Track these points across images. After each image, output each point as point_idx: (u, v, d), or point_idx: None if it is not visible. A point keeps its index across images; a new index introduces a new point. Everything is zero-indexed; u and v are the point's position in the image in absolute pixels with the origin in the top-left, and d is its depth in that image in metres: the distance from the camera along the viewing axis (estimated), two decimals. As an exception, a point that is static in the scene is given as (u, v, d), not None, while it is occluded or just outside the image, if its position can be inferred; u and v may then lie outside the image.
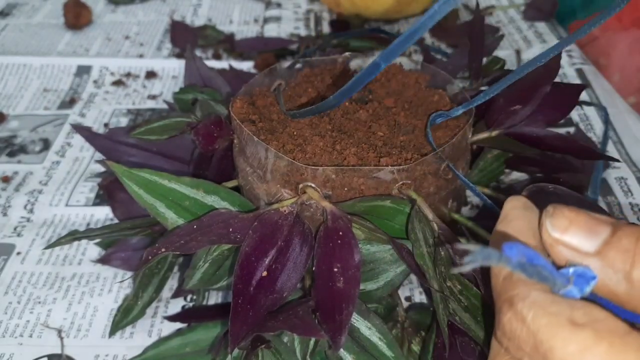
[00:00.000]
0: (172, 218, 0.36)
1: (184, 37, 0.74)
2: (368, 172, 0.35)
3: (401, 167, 0.35)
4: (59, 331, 0.41)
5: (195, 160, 0.45)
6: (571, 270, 0.21)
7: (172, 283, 0.43)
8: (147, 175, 0.36)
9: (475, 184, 0.42)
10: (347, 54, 0.49)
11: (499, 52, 0.66)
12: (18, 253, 0.47)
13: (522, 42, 0.74)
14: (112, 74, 0.70)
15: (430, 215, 0.35)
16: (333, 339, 0.30)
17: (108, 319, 0.41)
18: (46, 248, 0.45)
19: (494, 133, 0.42)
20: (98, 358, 0.39)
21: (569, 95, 0.44)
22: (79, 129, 0.55)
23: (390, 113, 0.41)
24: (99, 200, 0.52)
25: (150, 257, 0.33)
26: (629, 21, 0.68)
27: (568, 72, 0.67)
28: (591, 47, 0.72)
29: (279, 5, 0.86)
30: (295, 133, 0.39)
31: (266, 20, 0.81)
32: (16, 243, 0.47)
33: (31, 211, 0.50)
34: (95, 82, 0.68)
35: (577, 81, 0.65)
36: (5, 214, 0.50)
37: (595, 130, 0.58)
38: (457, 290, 0.34)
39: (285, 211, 0.35)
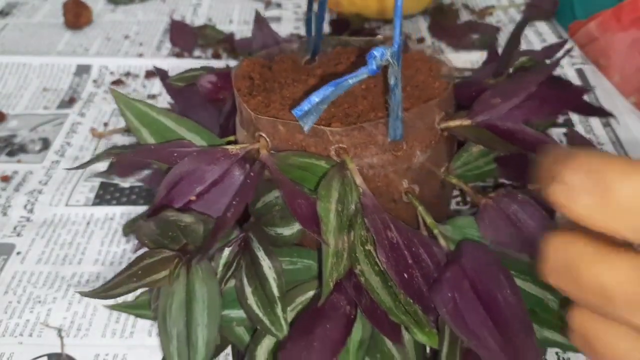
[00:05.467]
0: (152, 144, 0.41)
1: (184, 37, 0.74)
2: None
3: (335, 129, 0.36)
4: (59, 330, 0.41)
5: (226, 112, 0.48)
6: None
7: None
8: (140, 105, 0.41)
9: (458, 177, 0.41)
10: (380, 36, 0.49)
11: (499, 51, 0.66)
12: (18, 253, 0.47)
13: (523, 42, 0.74)
14: (111, 73, 0.70)
15: (358, 180, 0.36)
16: (201, 253, 0.35)
17: (108, 318, 0.41)
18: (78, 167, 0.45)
19: (466, 122, 0.40)
20: (98, 357, 0.39)
21: (564, 97, 0.43)
22: (159, 71, 0.54)
23: (389, 95, 0.41)
24: (99, 200, 0.52)
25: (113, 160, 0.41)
26: (629, 21, 0.68)
27: (568, 72, 0.67)
28: (591, 48, 0.72)
29: (279, 5, 0.86)
30: (288, 95, 0.41)
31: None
32: (16, 243, 0.47)
33: (31, 211, 0.50)
34: (94, 81, 0.68)
35: (577, 81, 0.65)
36: (5, 214, 0.50)
37: (595, 131, 0.58)
38: (375, 254, 0.34)
39: (232, 152, 0.38)
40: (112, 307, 0.41)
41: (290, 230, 0.37)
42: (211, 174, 0.37)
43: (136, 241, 0.37)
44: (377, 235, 0.34)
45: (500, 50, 0.51)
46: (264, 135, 0.39)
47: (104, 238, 0.48)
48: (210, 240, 0.34)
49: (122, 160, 0.38)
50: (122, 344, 0.40)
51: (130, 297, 0.40)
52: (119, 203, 0.51)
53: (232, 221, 0.35)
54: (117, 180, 0.53)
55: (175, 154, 0.38)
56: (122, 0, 0.86)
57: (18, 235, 0.48)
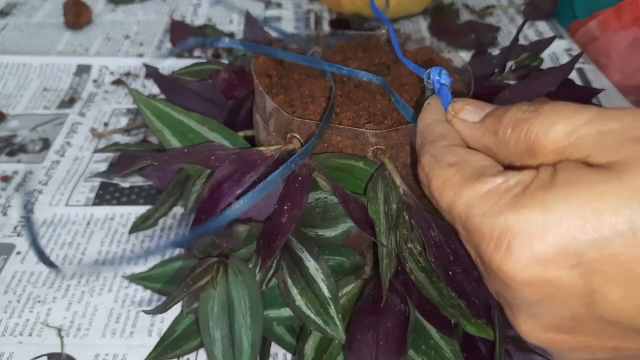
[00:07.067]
0: (175, 144, 0.40)
1: (184, 37, 0.74)
2: (344, 131, 0.37)
3: (374, 131, 0.36)
4: (59, 330, 0.41)
5: (229, 108, 0.48)
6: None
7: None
8: (161, 105, 0.41)
9: None
10: (383, 31, 0.50)
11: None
12: (18, 252, 0.47)
13: (523, 41, 0.74)
14: (111, 73, 0.70)
15: (398, 181, 0.37)
16: (263, 261, 0.34)
17: (108, 317, 0.41)
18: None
19: None
20: (98, 357, 0.39)
21: (578, 97, 0.44)
22: (148, 67, 0.54)
23: (403, 90, 0.42)
24: (99, 200, 0.52)
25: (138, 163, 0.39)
26: (629, 20, 0.68)
27: (568, 72, 0.67)
28: (591, 47, 0.72)
29: (279, 5, 0.86)
30: (306, 93, 0.41)
31: (266, 20, 0.81)
32: (16, 243, 0.47)
33: (31, 211, 0.50)
34: (95, 81, 0.68)
35: (578, 81, 0.65)
36: (5, 214, 0.50)
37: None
38: (417, 252, 0.35)
39: (267, 154, 0.38)
40: (127, 278, 0.42)
41: (334, 231, 0.37)
42: (249, 176, 0.37)
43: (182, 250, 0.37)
44: (425, 235, 0.35)
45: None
46: (297, 136, 0.39)
47: (104, 238, 0.48)
48: (268, 250, 0.34)
49: (156, 160, 0.37)
50: (122, 344, 0.40)
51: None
52: (119, 203, 0.51)
53: (290, 228, 0.34)
54: (117, 180, 0.53)
55: (213, 157, 0.38)
56: (122, 0, 0.86)
57: (18, 235, 0.48)
